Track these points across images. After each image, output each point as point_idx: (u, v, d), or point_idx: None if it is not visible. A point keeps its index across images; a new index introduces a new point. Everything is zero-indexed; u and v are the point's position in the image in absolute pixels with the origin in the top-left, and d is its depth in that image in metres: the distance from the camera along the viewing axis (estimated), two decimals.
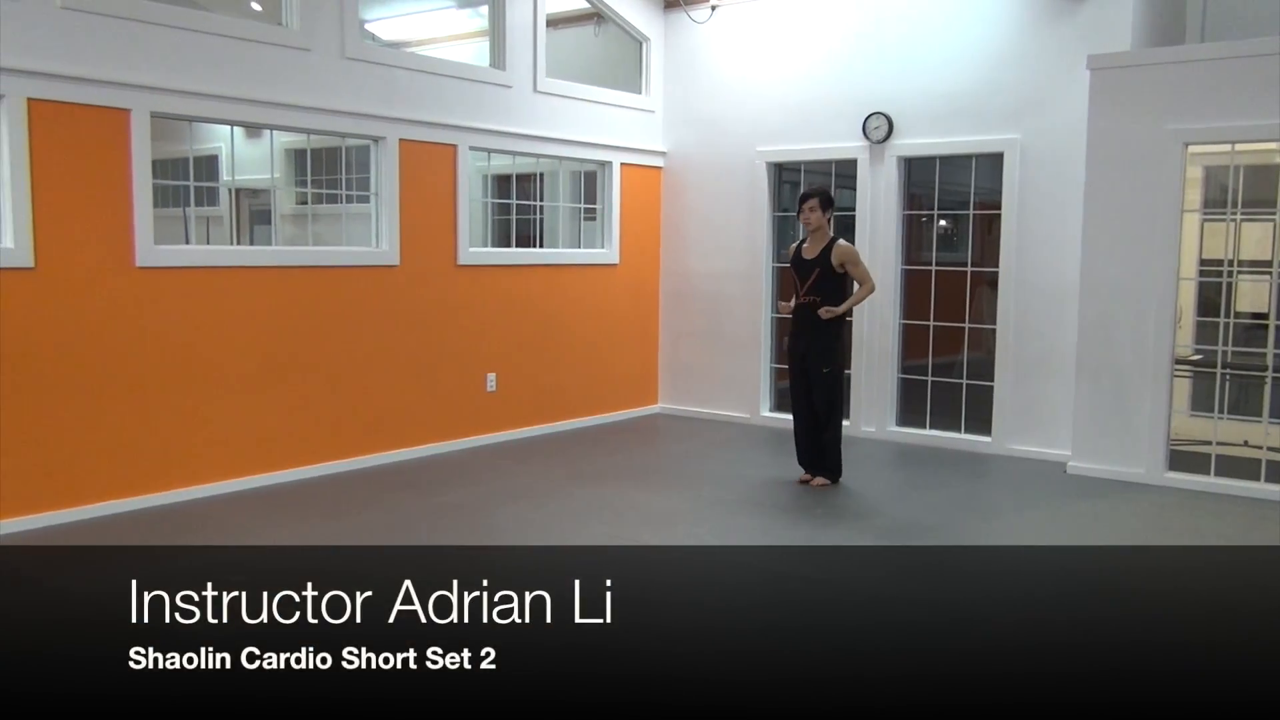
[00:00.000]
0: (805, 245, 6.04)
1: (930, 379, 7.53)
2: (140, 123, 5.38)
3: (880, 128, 7.42)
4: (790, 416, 6.32)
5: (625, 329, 8.42)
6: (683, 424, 8.29)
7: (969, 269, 7.38)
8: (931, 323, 7.49)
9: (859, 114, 7.52)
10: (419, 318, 6.84)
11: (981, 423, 7.24)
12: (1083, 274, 6.50)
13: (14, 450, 5.03)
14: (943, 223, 7.76)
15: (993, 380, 7.16)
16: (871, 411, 7.67)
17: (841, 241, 5.98)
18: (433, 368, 6.97)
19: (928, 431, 7.47)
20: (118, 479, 5.41)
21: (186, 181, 7.69)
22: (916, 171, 7.55)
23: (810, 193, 5.98)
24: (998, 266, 7.10)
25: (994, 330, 7.15)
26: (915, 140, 7.34)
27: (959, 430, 7.36)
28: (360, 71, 6.34)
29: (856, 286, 6.01)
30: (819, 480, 6.11)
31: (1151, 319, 6.22)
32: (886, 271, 7.50)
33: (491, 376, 7.38)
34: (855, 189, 7.63)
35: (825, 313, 5.86)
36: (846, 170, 7.78)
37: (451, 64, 7.03)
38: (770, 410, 8.27)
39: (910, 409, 7.64)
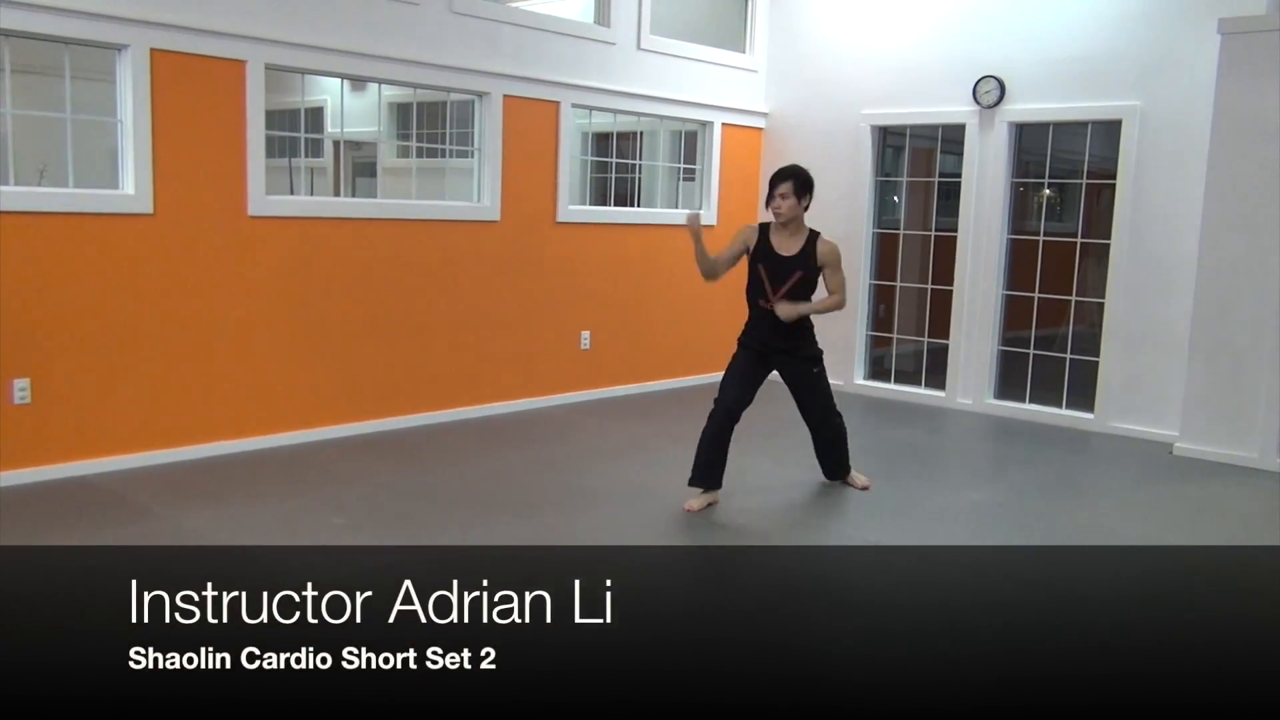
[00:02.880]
0: (775, 239, 4.89)
1: (1032, 352, 7.34)
2: (255, 74, 5.48)
3: (991, 92, 7.20)
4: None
5: (720, 290, 8.31)
6: (774, 388, 8.20)
7: (1078, 240, 7.14)
8: (1036, 294, 7.29)
9: (969, 77, 7.30)
10: (517, 273, 6.90)
11: (1084, 399, 7.04)
12: (1202, 249, 6.24)
13: (136, 386, 5.22)
14: (1047, 191, 7.53)
15: (1098, 355, 6.94)
16: (969, 383, 7.52)
17: (826, 238, 4.93)
18: (528, 324, 7.02)
19: (1027, 405, 7.30)
20: (222, 420, 5.58)
21: (296, 133, 7.85)
22: (1027, 138, 7.32)
23: (784, 173, 4.80)
24: (1109, 238, 6.86)
25: (1101, 304, 6.93)
26: (1028, 105, 7.10)
27: (1060, 405, 7.17)
28: (467, 26, 6.36)
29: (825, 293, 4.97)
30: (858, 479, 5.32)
31: (1274, 298, 5.95)
32: (992, 241, 7.31)
33: (586, 334, 7.41)
34: (962, 155, 7.44)
35: (786, 310, 4.81)
36: (953, 135, 7.57)
37: (556, 20, 7.01)
38: (864, 378, 8.16)
39: (1010, 382, 7.47)
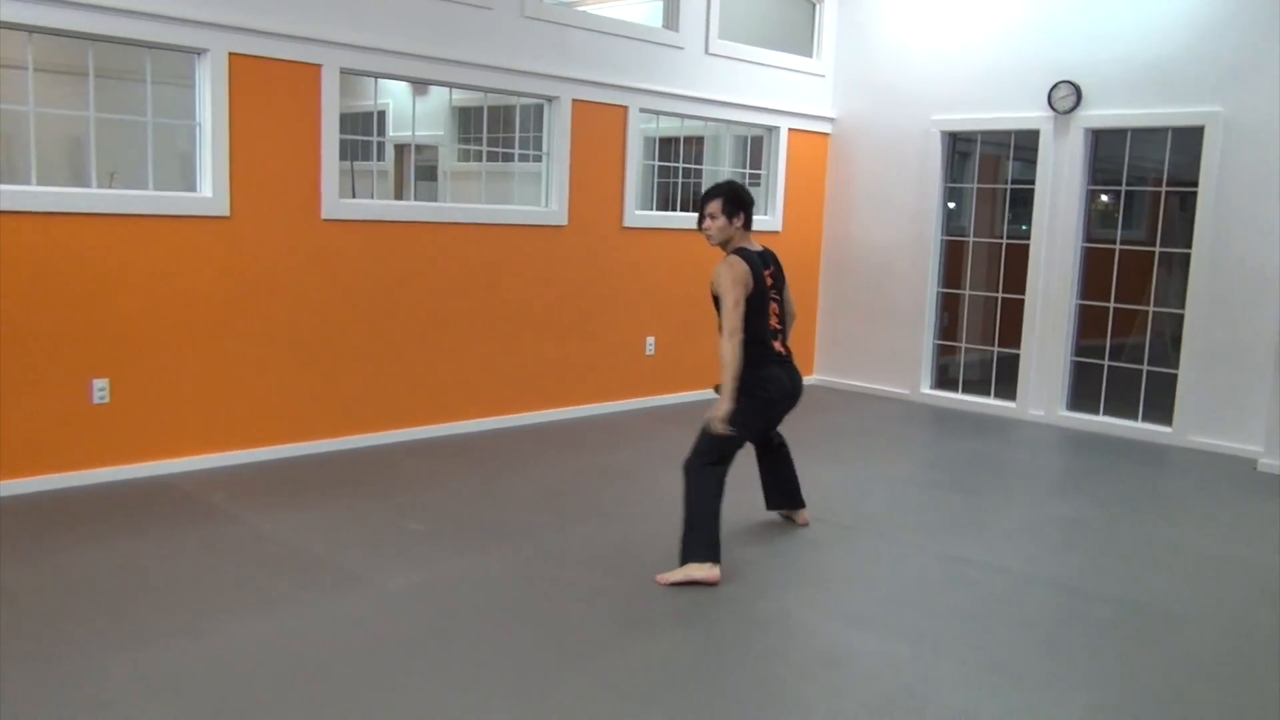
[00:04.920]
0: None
1: (1107, 363, 7.17)
2: (330, 78, 5.50)
3: (1068, 97, 7.05)
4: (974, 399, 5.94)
5: None
6: (839, 397, 8.13)
7: (1156, 248, 6.97)
8: (1112, 304, 7.12)
9: (1044, 82, 7.16)
10: (583, 278, 6.86)
11: (1162, 411, 6.86)
12: None
13: (211, 387, 5.25)
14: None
15: (1176, 367, 6.76)
16: (1041, 394, 7.37)
17: (726, 258, 4.06)
18: (594, 329, 6.99)
19: (1101, 418, 7.13)
20: (295, 422, 5.60)
21: (362, 137, 7.89)
22: (1103, 145, 7.15)
23: (712, 190, 4.14)
24: (1189, 247, 6.68)
25: (1181, 314, 6.75)
26: (1105, 111, 6.94)
27: (1136, 418, 6.99)
28: (538, 30, 6.34)
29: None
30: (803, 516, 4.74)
31: None
32: (1066, 249, 7.16)
33: (651, 340, 7.36)
34: (1036, 162, 7.29)
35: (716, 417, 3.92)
36: (1026, 142, 7.43)
37: (625, 24, 6.97)
38: (931, 387, 8.03)
39: (1083, 393, 7.30)
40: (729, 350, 3.89)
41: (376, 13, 5.62)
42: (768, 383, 4.04)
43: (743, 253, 4.08)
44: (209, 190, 5.17)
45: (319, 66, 5.45)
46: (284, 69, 5.34)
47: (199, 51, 5.07)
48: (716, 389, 3.98)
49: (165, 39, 4.91)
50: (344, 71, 5.59)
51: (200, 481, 5.04)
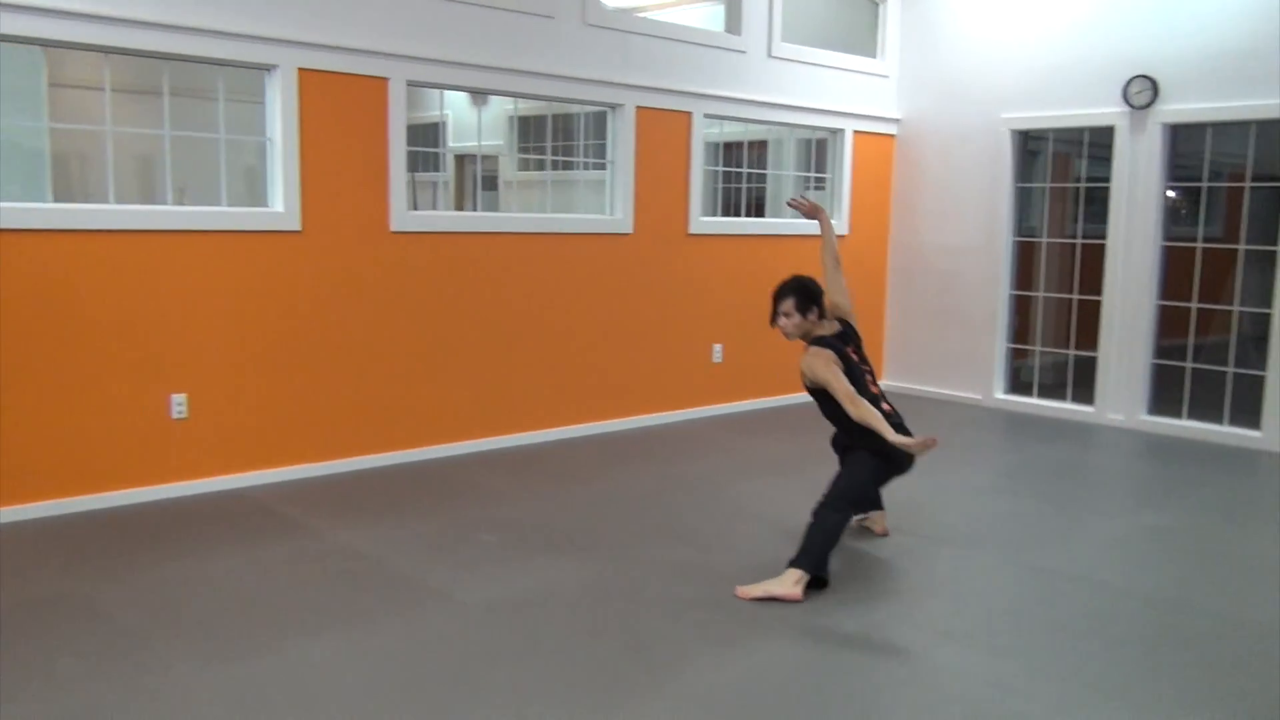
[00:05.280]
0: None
1: (1190, 365, 6.95)
2: (397, 91, 5.51)
3: (1144, 92, 6.85)
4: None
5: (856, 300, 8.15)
6: (909, 403, 7.96)
7: (1240, 246, 6.74)
8: (1194, 304, 6.90)
9: (1119, 77, 6.97)
10: (649, 286, 6.81)
11: (1249, 415, 6.63)
12: None
13: (286, 400, 5.28)
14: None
15: (1265, 369, 6.53)
16: (1120, 397, 7.16)
17: (810, 350, 4.11)
18: (661, 337, 6.93)
19: (1185, 422, 6.91)
20: (367, 434, 5.61)
21: (433, 148, 7.91)
22: (1182, 140, 6.94)
23: (784, 288, 4.18)
24: (1275, 244, 6.45)
25: (1268, 314, 6.51)
26: (1184, 106, 6.73)
27: (1221, 422, 6.76)
28: (601, 38, 6.31)
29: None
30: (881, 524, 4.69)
31: None
32: (1145, 248, 6.95)
33: (718, 347, 7.29)
34: (1110, 159, 7.09)
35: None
36: (1101, 139, 7.24)
37: (688, 30, 6.91)
38: (1005, 392, 7.85)
39: (1165, 397, 7.08)
40: (858, 411, 3.89)
41: (441, 25, 5.62)
42: (893, 447, 3.91)
43: (821, 341, 4.14)
44: (281, 205, 5.20)
45: (386, 80, 5.47)
46: (352, 83, 5.36)
47: (269, 68, 5.11)
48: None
49: (238, 57, 4.95)
50: (410, 84, 5.60)
51: (276, 494, 5.06)
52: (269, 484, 5.23)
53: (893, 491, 4.86)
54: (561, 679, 3.14)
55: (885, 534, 4.65)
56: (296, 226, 5.24)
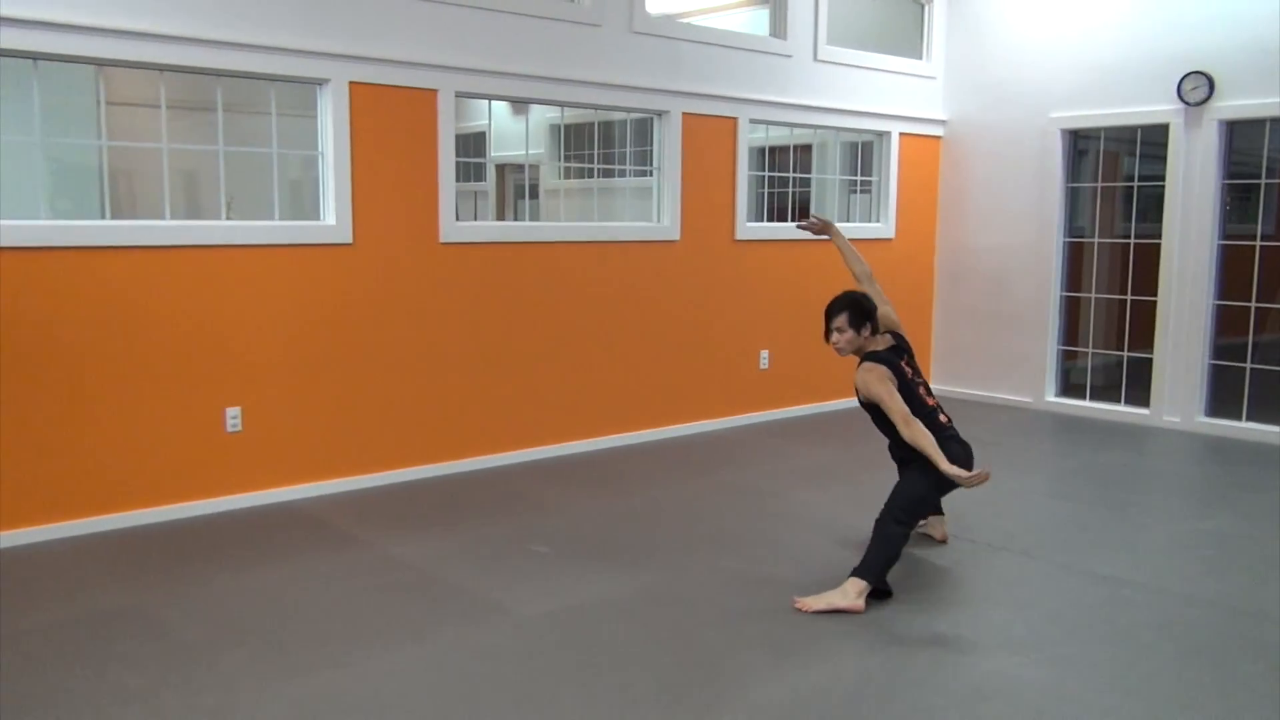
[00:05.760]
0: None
1: (1249, 365, 6.81)
2: (446, 102, 5.54)
3: (1199, 88, 6.73)
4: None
5: (898, 305, 8.03)
6: (958, 406, 7.85)
7: None
8: (1253, 304, 6.76)
9: (1173, 73, 6.85)
10: (696, 293, 6.79)
11: None
12: None
13: (338, 413, 5.32)
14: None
15: None
16: (1177, 399, 7.03)
17: (864, 364, 4.09)
18: (708, 344, 6.91)
19: (1244, 424, 6.77)
20: (418, 444, 5.63)
21: (477, 158, 7.96)
22: (1239, 137, 6.81)
23: (837, 304, 4.18)
24: None
25: None
26: (1240, 102, 6.61)
27: None
28: (647, 45, 6.30)
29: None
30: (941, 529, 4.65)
31: None
32: (1201, 247, 6.83)
33: (765, 354, 7.25)
34: (1165, 158, 6.97)
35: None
36: (1154, 137, 7.12)
37: (734, 35, 6.89)
38: (1056, 395, 7.74)
39: (1223, 398, 6.95)
40: (912, 433, 3.86)
41: (489, 36, 5.64)
42: (950, 459, 3.88)
43: (875, 357, 4.11)
44: (332, 218, 5.23)
45: (435, 91, 5.49)
46: (402, 95, 5.39)
47: (321, 82, 5.15)
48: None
49: (290, 71, 4.99)
50: (459, 95, 5.62)
51: (330, 506, 5.10)
52: (322, 496, 5.27)
53: (950, 498, 4.79)
54: (625, 693, 3.13)
55: (944, 540, 4.60)
56: (348, 239, 5.27)
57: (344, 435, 5.37)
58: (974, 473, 3.72)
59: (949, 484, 4.00)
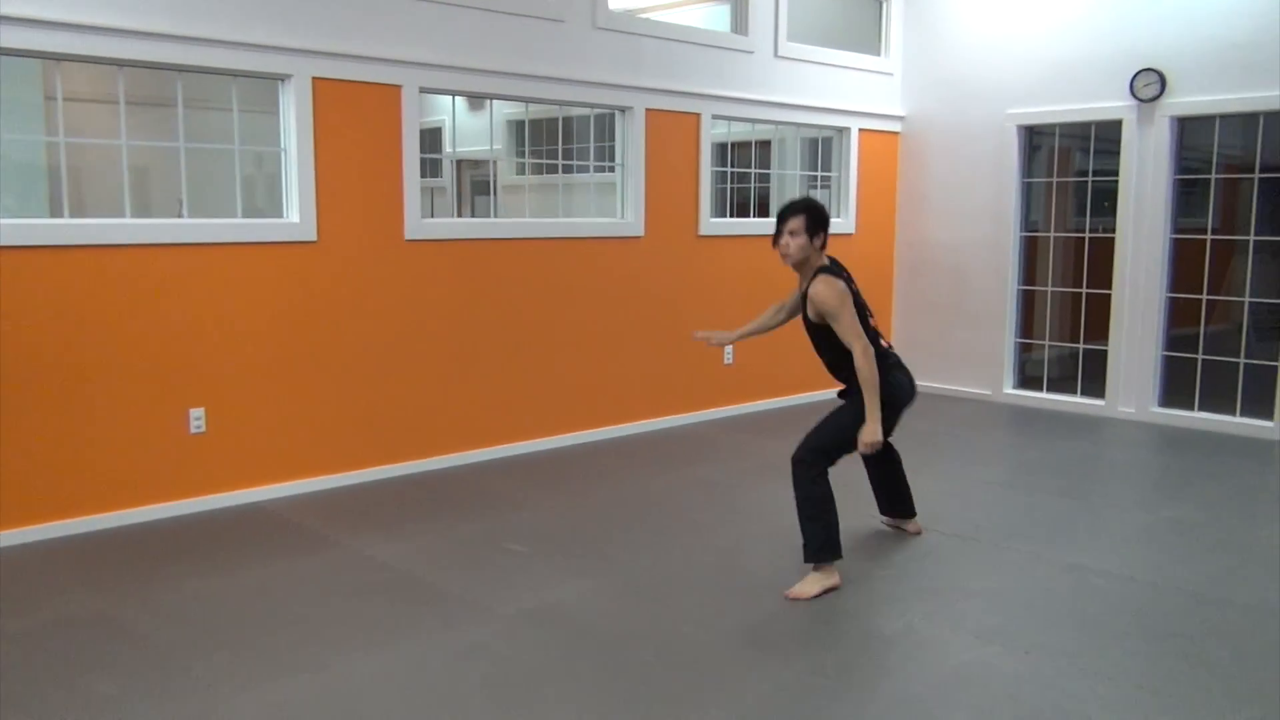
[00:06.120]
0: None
1: (1201, 356, 6.97)
2: (410, 98, 5.49)
3: (1151, 85, 6.86)
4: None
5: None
6: (919, 399, 7.94)
7: (1251, 237, 6.75)
8: (1205, 295, 6.91)
9: (1126, 70, 6.99)
10: (661, 288, 6.80)
11: (1262, 405, 6.65)
12: None
13: (304, 412, 5.25)
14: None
15: (1276, 359, 6.55)
16: (1131, 390, 7.17)
17: (822, 277, 3.93)
18: (674, 339, 6.91)
19: (1197, 414, 6.93)
20: (385, 444, 5.59)
21: (434, 154, 7.87)
22: (1189, 133, 6.96)
23: (794, 206, 3.99)
24: None
25: None
26: (1191, 99, 6.75)
27: (1234, 413, 6.78)
28: (610, 41, 6.29)
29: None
30: (915, 524, 4.65)
31: None
32: (1154, 241, 6.97)
33: (729, 349, 7.28)
34: (1119, 153, 7.10)
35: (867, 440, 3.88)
36: (1107, 133, 7.25)
37: (696, 31, 6.91)
38: (1014, 387, 7.86)
39: (1176, 389, 7.10)
40: (868, 368, 3.84)
41: (452, 31, 5.60)
42: (895, 389, 3.99)
43: (830, 270, 3.99)
44: (296, 216, 5.17)
45: (399, 87, 5.44)
46: (365, 91, 5.33)
47: (283, 78, 5.07)
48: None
49: (252, 67, 4.91)
50: (423, 90, 5.57)
51: (296, 507, 5.04)
52: (289, 496, 5.20)
53: (913, 489, 4.84)
54: (610, 692, 3.13)
55: (919, 532, 4.66)
56: (312, 237, 5.21)
57: (310, 434, 5.31)
58: (873, 447, 3.85)
59: (888, 426, 4.01)
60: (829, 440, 4.00)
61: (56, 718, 2.95)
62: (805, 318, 4.06)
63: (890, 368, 4.02)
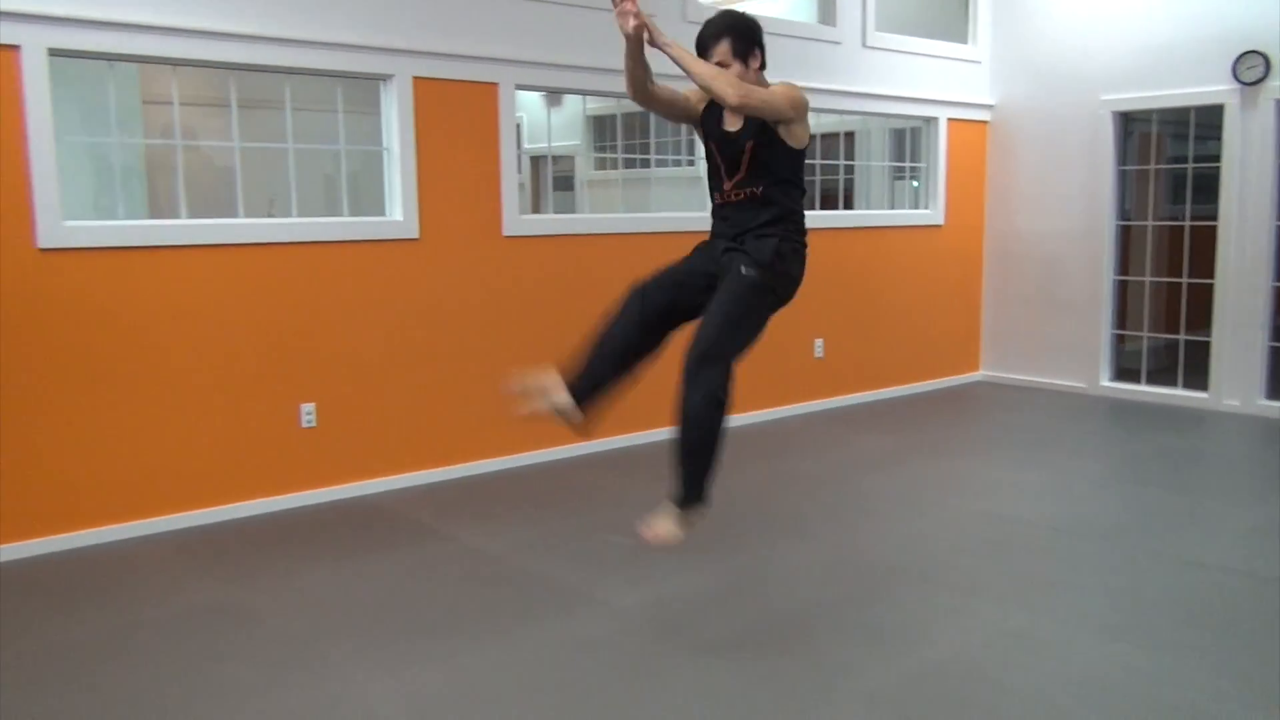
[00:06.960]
0: (725, 111, 3.35)
1: None
2: (506, 95, 5.54)
3: (1255, 68, 6.66)
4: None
5: (947, 292, 8.07)
6: (1010, 393, 7.87)
7: None
8: None
9: (1228, 53, 6.79)
10: None
11: None
12: None
13: (409, 406, 5.34)
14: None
15: None
16: (1236, 383, 6.99)
17: (782, 82, 3.26)
18: (768, 334, 6.87)
19: None
20: (487, 438, 5.65)
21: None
22: None
23: (713, 27, 3.27)
24: None
25: None
26: None
27: None
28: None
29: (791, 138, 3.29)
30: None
31: None
32: (1259, 229, 6.78)
33: (819, 342, 7.24)
34: (1221, 139, 6.92)
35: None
36: (1208, 119, 7.07)
37: (784, 22, 6.87)
38: (1111, 379, 7.70)
39: None
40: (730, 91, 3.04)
41: (545, 28, 5.63)
42: (801, 265, 3.42)
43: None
44: (399, 214, 5.25)
45: (496, 85, 5.49)
46: (463, 89, 5.39)
47: (385, 78, 5.15)
48: None
49: (355, 68, 5.00)
50: (518, 87, 5.62)
51: (404, 500, 5.12)
52: (395, 490, 5.29)
53: (1013, 484, 4.78)
54: (741, 685, 3.13)
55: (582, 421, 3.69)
56: (415, 234, 5.29)
57: (415, 428, 5.39)
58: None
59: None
60: (752, 337, 3.31)
61: (200, 702, 3.04)
62: (733, 136, 3.30)
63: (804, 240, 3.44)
